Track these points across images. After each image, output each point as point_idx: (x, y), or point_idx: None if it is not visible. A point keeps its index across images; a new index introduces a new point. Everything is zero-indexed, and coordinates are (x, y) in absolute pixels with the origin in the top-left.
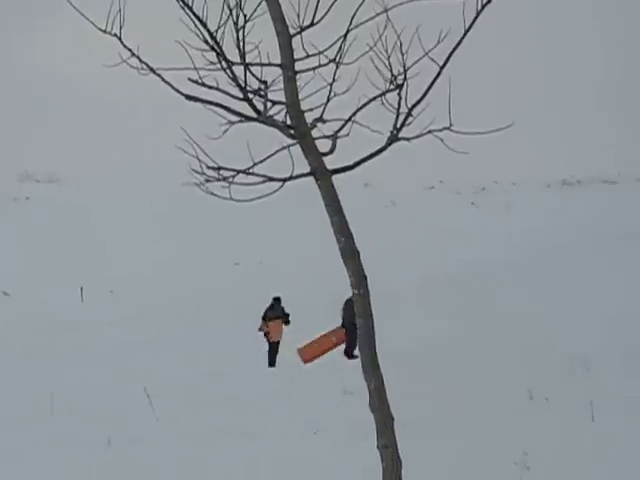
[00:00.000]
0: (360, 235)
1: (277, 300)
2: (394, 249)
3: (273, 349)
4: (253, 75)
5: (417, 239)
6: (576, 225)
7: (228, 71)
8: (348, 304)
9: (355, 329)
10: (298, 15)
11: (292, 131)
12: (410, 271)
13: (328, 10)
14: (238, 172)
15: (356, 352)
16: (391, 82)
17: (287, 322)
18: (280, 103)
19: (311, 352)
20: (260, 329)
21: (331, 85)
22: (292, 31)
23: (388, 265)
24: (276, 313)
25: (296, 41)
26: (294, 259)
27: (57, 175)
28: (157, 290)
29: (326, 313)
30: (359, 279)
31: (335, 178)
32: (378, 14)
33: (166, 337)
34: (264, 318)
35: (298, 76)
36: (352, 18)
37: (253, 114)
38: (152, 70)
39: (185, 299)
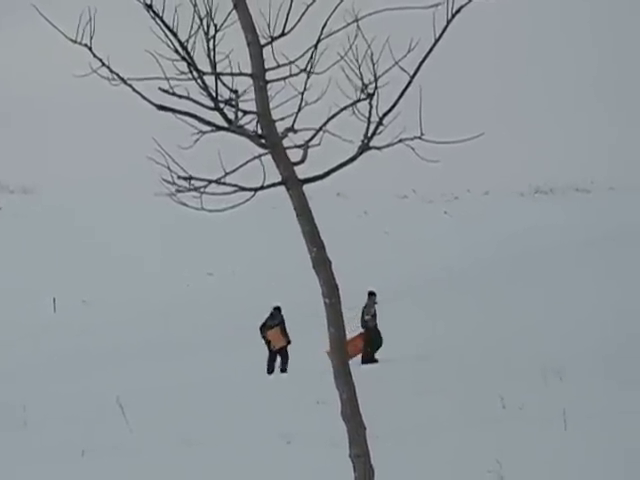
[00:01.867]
0: (332, 245)
1: (277, 309)
2: (367, 259)
3: (272, 357)
4: (224, 85)
5: (390, 249)
6: (550, 233)
7: (199, 81)
8: (368, 309)
9: (375, 334)
10: (269, 25)
11: (263, 141)
12: (382, 281)
13: (299, 20)
14: (209, 182)
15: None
16: (362, 91)
17: (284, 330)
18: (251, 113)
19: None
20: (263, 337)
21: (302, 94)
22: (263, 41)
23: (360, 275)
24: (275, 321)
25: (267, 51)
26: (267, 269)
27: (31, 186)
28: (130, 300)
29: (302, 322)
30: (331, 288)
31: (307, 188)
32: (349, 24)
33: (138, 347)
34: (263, 326)
35: (269, 86)
36: (323, 28)
37: (224, 124)
38: (123, 80)
39: (158, 309)
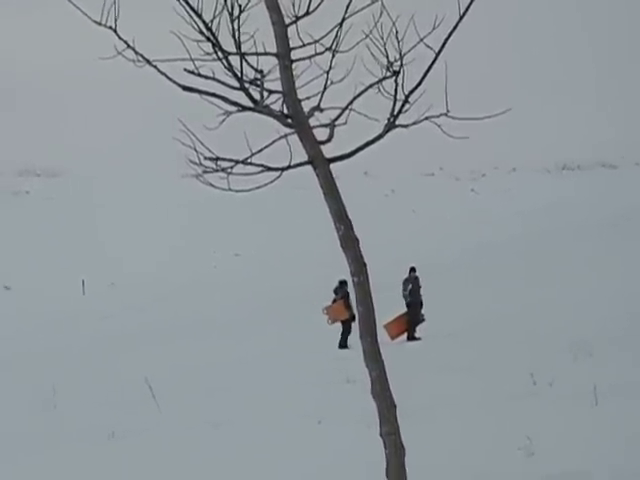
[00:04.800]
0: (360, 223)
1: (342, 282)
2: (394, 237)
3: (343, 330)
4: (249, 65)
5: (418, 226)
6: (577, 209)
7: (224, 61)
8: (405, 284)
9: (413, 310)
10: (293, 4)
11: (289, 120)
12: (411, 258)
13: None
14: (236, 162)
15: (416, 334)
16: (387, 69)
17: (347, 303)
18: (277, 92)
19: (397, 328)
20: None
21: (327, 73)
22: (287, 20)
23: (389, 253)
24: (338, 295)
25: (292, 30)
26: (294, 250)
27: (57, 169)
28: (157, 281)
29: (329, 299)
30: (359, 266)
31: (334, 167)
32: (373, 2)
33: (166, 328)
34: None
35: (294, 65)
36: (347, 6)
37: (250, 104)
38: (148, 62)
39: (185, 290)
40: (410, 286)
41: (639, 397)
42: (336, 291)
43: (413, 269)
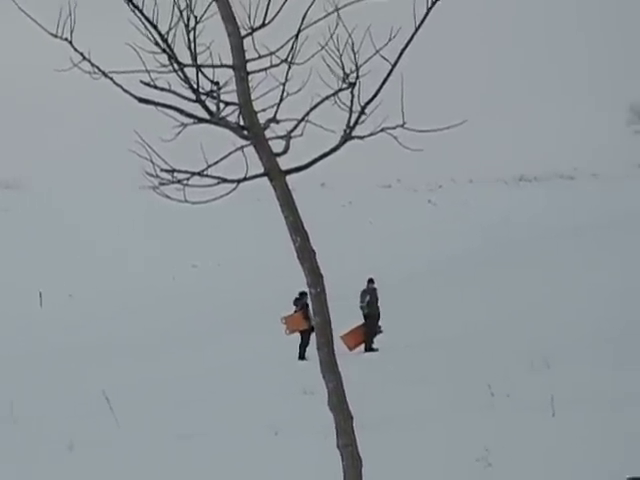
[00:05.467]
0: (317, 235)
1: (302, 294)
2: (351, 248)
3: (302, 342)
4: (205, 76)
5: (375, 238)
6: (534, 221)
7: (180, 73)
8: (363, 295)
9: (371, 322)
10: (249, 16)
11: (245, 132)
12: (368, 269)
13: (279, 10)
14: (192, 174)
15: (373, 345)
16: (343, 81)
17: (306, 315)
18: (233, 104)
19: (354, 339)
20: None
21: (284, 85)
22: (243, 32)
23: (346, 264)
24: (297, 306)
25: (247, 42)
26: (252, 260)
27: (13, 181)
28: (116, 294)
29: (288, 313)
30: (315, 278)
31: (290, 178)
32: (329, 13)
33: (125, 341)
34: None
35: (250, 77)
36: (303, 18)
37: (206, 115)
38: (104, 73)
39: (144, 302)
40: (368, 297)
41: (596, 408)
42: (296, 302)
43: (371, 280)
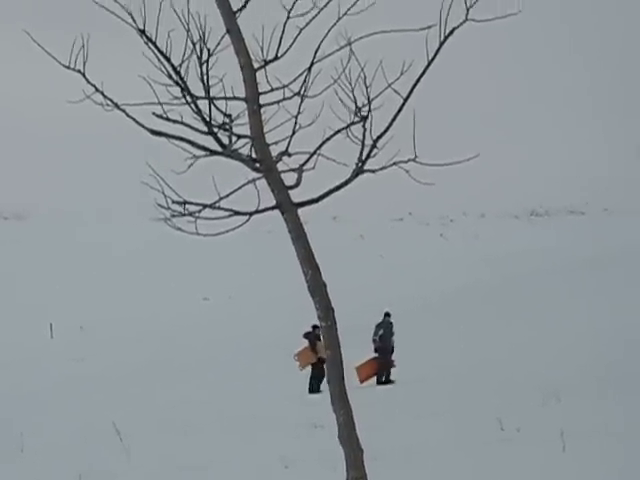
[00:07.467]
0: (329, 268)
1: (314, 327)
2: (363, 281)
3: (313, 374)
4: (217, 109)
5: (386, 271)
6: (545, 255)
7: (192, 105)
8: (377, 328)
9: (383, 355)
10: (262, 49)
11: (257, 165)
12: (380, 303)
13: (292, 43)
14: (204, 207)
15: (391, 377)
16: (356, 114)
17: (313, 348)
18: (245, 137)
19: (365, 372)
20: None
21: (296, 118)
22: (256, 65)
23: (357, 297)
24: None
25: (260, 75)
26: (263, 293)
27: (24, 212)
28: (126, 326)
29: (299, 346)
30: (326, 311)
31: (302, 211)
32: (342, 47)
33: (135, 372)
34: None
35: (263, 109)
36: (316, 51)
37: (218, 148)
38: (116, 106)
39: (154, 334)
40: (381, 331)
41: (606, 441)
42: (306, 336)
43: (388, 314)
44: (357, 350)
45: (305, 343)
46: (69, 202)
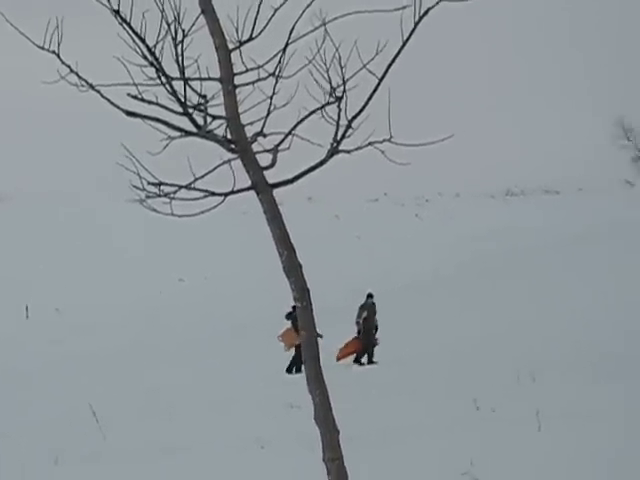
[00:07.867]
0: (304, 249)
1: (294, 308)
2: (339, 262)
3: (295, 355)
4: (192, 90)
5: (362, 252)
6: (521, 235)
7: (167, 86)
8: (360, 310)
9: (367, 336)
10: (237, 29)
11: (232, 145)
12: (355, 284)
13: (267, 24)
14: (179, 187)
15: (363, 359)
16: (330, 94)
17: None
18: (220, 117)
19: (343, 351)
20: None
21: (271, 99)
22: (231, 45)
23: (333, 278)
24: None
25: (235, 55)
26: (239, 274)
27: (1, 193)
28: (102, 307)
29: (274, 326)
30: (302, 292)
31: (278, 192)
32: (316, 27)
33: (111, 354)
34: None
35: (238, 90)
36: (290, 32)
37: (193, 129)
38: (91, 86)
39: (129, 316)
40: (365, 313)
41: (582, 421)
42: (288, 316)
43: (370, 295)
44: (333, 329)
45: (288, 324)
46: (44, 183)
